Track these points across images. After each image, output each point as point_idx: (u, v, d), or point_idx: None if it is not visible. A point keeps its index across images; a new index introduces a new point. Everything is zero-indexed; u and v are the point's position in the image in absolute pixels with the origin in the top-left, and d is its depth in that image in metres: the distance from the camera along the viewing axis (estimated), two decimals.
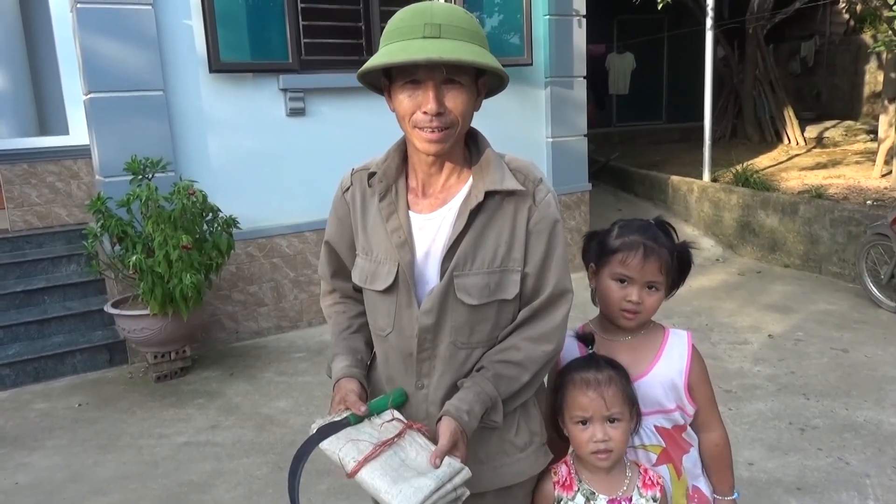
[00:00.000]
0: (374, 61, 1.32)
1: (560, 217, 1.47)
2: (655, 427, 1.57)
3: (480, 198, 1.39)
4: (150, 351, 4.45)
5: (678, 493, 1.58)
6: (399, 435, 1.33)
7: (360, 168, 1.56)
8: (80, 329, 4.91)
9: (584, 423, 1.46)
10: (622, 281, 1.53)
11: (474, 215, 1.40)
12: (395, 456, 1.29)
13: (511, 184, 1.41)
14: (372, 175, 1.48)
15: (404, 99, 1.35)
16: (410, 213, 1.45)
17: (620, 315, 1.54)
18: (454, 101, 1.33)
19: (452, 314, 1.41)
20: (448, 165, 1.44)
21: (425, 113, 1.32)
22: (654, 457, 1.58)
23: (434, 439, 1.32)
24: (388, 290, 1.44)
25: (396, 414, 1.38)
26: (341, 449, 1.31)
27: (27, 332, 4.78)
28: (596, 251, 1.59)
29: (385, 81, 1.41)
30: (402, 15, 1.34)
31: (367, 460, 1.28)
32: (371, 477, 1.26)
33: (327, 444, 1.33)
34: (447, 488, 1.23)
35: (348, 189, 1.56)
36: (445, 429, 1.31)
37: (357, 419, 1.36)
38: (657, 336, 1.61)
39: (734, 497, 1.65)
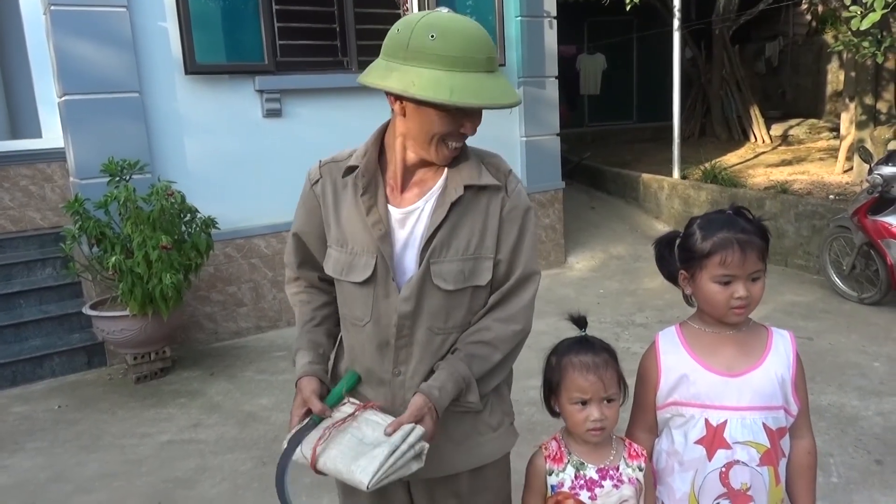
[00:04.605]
0: (459, 97, 1.32)
1: (531, 204, 1.55)
2: (764, 425, 1.53)
3: (461, 191, 1.46)
4: (129, 352, 4.45)
5: (773, 502, 1.55)
6: (352, 415, 1.39)
7: (328, 160, 1.59)
8: (57, 332, 4.88)
9: (582, 403, 1.51)
10: (725, 282, 1.50)
11: (453, 207, 1.46)
12: (352, 438, 1.35)
13: (487, 179, 1.49)
14: (352, 168, 1.52)
15: (442, 118, 1.40)
16: (389, 206, 1.50)
17: (731, 313, 1.52)
18: (478, 122, 1.46)
19: (429, 300, 1.47)
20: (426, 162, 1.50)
21: (463, 133, 1.43)
22: (756, 455, 1.52)
23: (392, 414, 1.40)
24: (366, 281, 1.49)
25: (352, 400, 1.45)
26: (300, 448, 1.37)
27: (3, 336, 4.74)
28: (682, 257, 1.57)
29: None
30: (458, 42, 1.34)
31: (319, 442, 1.34)
32: (333, 463, 1.32)
33: (297, 454, 1.39)
34: (402, 449, 1.30)
35: (317, 181, 1.58)
36: (412, 403, 1.38)
37: (320, 419, 1.42)
38: (761, 331, 1.61)
39: None
